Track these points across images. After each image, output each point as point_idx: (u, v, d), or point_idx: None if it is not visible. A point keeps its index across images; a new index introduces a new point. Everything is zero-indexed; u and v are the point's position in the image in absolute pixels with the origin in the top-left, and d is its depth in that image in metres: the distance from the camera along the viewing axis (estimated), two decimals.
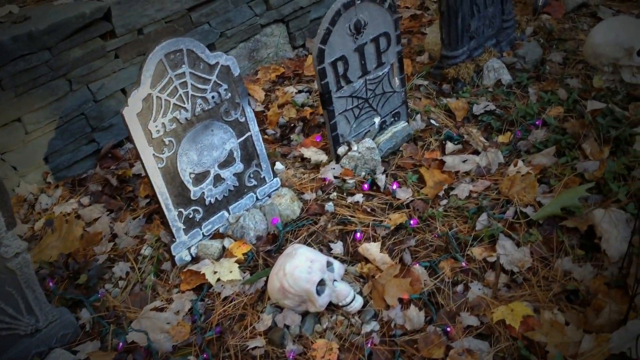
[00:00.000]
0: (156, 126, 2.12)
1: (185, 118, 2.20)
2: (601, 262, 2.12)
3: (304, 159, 2.86)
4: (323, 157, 2.83)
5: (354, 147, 2.72)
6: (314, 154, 2.84)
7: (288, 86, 3.48)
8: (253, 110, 3.13)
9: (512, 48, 3.51)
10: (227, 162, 2.38)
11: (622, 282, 1.96)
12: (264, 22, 3.63)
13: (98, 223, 2.57)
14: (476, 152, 2.83)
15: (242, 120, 2.38)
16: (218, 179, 2.37)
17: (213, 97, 2.26)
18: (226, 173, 2.39)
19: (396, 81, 2.89)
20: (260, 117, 3.17)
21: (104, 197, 2.70)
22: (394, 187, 2.60)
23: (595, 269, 2.09)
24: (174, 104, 2.15)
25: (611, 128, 2.65)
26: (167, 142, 2.16)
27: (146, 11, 3.04)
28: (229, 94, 2.30)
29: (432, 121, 3.05)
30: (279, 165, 2.82)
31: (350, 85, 2.69)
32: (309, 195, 2.63)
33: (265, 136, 3.03)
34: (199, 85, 2.21)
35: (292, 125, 3.11)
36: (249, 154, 2.45)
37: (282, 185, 2.67)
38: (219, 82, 2.26)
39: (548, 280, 2.11)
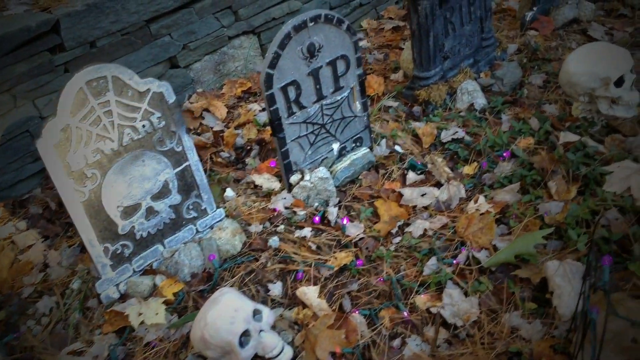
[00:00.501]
0: (77, 158, 1.97)
1: (111, 149, 2.06)
2: (552, 319, 1.95)
3: (256, 186, 2.71)
4: (276, 185, 2.68)
5: (307, 177, 2.56)
6: (266, 181, 2.69)
7: (253, 103, 3.33)
8: (212, 129, 2.99)
9: (491, 68, 3.32)
10: (161, 194, 2.23)
11: (568, 348, 1.79)
12: (231, 33, 3.47)
13: (31, 251, 2.44)
14: (439, 184, 2.66)
15: (179, 149, 2.23)
16: (151, 212, 2.23)
17: (144, 126, 2.11)
18: (160, 205, 2.24)
19: (357, 105, 2.73)
20: (218, 138, 3.02)
21: (42, 221, 2.57)
22: (344, 222, 2.44)
23: (545, 327, 1.92)
24: (97, 134, 2.00)
25: (582, 165, 2.47)
26: (89, 175, 2.02)
27: (99, 23, 2.89)
28: (163, 122, 2.15)
29: (397, 147, 2.89)
30: (229, 192, 2.67)
31: (304, 110, 2.53)
32: (255, 227, 2.49)
33: (219, 159, 2.88)
34: (127, 114, 2.06)
35: (249, 147, 2.95)
36: (187, 185, 2.30)
37: (229, 216, 2.53)
38: (150, 109, 2.11)
39: (493, 336, 1.95)
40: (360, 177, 2.75)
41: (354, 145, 2.81)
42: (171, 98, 2.15)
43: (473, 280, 2.12)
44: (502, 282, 2.10)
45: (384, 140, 2.93)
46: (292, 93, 2.45)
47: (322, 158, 2.71)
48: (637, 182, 2.32)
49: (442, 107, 3.11)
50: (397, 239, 2.40)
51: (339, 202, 2.61)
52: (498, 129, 2.84)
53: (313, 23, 2.38)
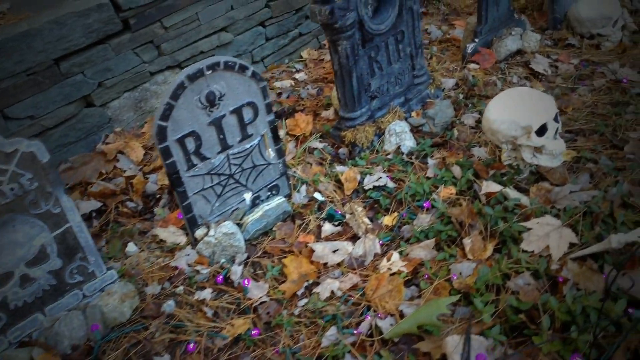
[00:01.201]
0: None
1: None
2: None
3: (161, 240, 2.53)
4: (182, 239, 2.51)
5: (211, 232, 2.39)
6: (171, 234, 2.51)
7: None
8: (124, 173, 2.81)
9: (423, 107, 3.18)
10: (38, 260, 2.05)
11: None
12: (154, 69, 3.30)
13: None
14: (356, 237, 2.50)
15: (57, 211, 2.05)
16: (26, 280, 2.04)
17: (12, 189, 1.93)
18: (37, 272, 2.06)
19: (270, 153, 2.57)
20: (129, 184, 2.84)
21: None
22: (246, 283, 2.27)
23: None
24: None
25: (500, 219, 2.32)
26: None
27: (1, 64, 2.71)
28: (36, 184, 1.98)
29: (317, 195, 2.73)
30: (131, 247, 2.49)
31: (207, 162, 2.37)
32: (152, 289, 2.31)
33: (125, 209, 2.70)
34: None
35: (159, 196, 2.78)
36: (69, 248, 2.12)
37: (126, 275, 2.35)
38: (20, 171, 1.93)
39: None
40: (274, 228, 2.58)
41: (269, 194, 2.65)
42: (44, 157, 1.97)
43: (373, 354, 1.96)
44: (404, 357, 1.93)
45: (304, 187, 2.77)
46: (191, 144, 2.28)
47: (233, 209, 2.54)
48: (555, 241, 2.18)
49: (370, 149, 2.96)
50: (304, 301, 2.24)
51: (247, 258, 2.44)
52: (420, 176, 2.69)
53: (211, 71, 2.22)
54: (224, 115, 2.34)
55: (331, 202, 2.70)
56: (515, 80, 3.43)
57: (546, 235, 2.20)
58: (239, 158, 2.46)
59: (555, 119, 2.40)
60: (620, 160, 2.60)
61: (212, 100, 2.27)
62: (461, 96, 3.31)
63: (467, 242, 2.28)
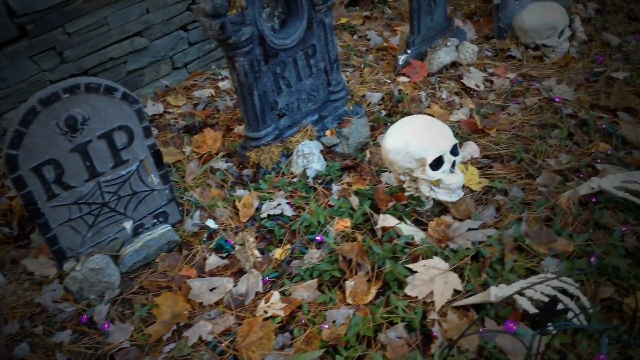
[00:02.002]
0: None
1: None
2: None
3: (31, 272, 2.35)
4: (52, 272, 2.33)
5: (77, 266, 2.20)
6: (40, 266, 2.33)
7: None
8: (9, 191, 2.62)
9: (339, 125, 2.98)
10: None
11: None
12: (55, 77, 3.10)
13: None
14: (242, 272, 2.32)
15: None
16: None
17: None
18: None
19: (153, 179, 2.37)
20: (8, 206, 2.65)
21: None
22: (106, 326, 2.09)
23: None
24: None
25: (389, 259, 2.14)
26: None
27: None
28: None
29: (210, 222, 2.54)
30: (0, 278, 2.31)
31: (72, 191, 2.17)
32: (11, 327, 2.12)
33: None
34: None
35: None
36: None
37: None
38: None
39: None
40: (157, 259, 2.40)
41: (155, 221, 2.46)
42: None
43: None
44: None
45: (198, 213, 2.58)
46: (50, 173, 2.09)
47: (110, 239, 2.36)
48: (440, 287, 2.01)
49: (276, 171, 2.77)
50: (170, 346, 2.06)
51: (120, 294, 2.26)
52: (320, 204, 2.50)
53: (69, 94, 2.02)
54: (89, 141, 2.14)
55: (225, 230, 2.51)
56: (444, 96, 3.24)
57: (431, 280, 2.03)
58: (114, 185, 2.27)
59: (454, 152, 2.22)
60: (532, 193, 2.42)
61: (72, 126, 2.07)
62: (383, 113, 3.12)
63: (349, 284, 2.11)
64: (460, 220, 2.34)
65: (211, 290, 2.23)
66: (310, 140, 2.84)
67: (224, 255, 2.41)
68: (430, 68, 3.44)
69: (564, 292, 1.76)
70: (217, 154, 2.93)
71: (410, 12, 3.37)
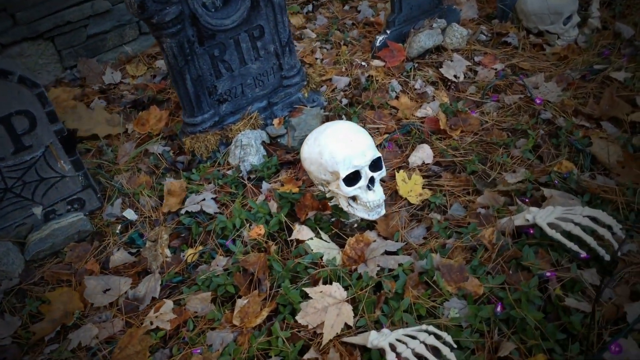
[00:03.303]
0: None
1: None
2: None
3: None
4: None
5: None
6: None
7: None
8: None
9: (290, 113, 2.75)
10: None
11: None
12: (7, 40, 2.97)
13: None
14: (147, 272, 2.20)
15: None
16: None
17: None
18: None
19: (64, 165, 2.24)
20: None
21: None
22: None
23: None
24: None
25: (289, 279, 1.96)
26: None
27: None
28: None
29: (128, 212, 2.41)
30: None
31: None
32: None
33: None
34: None
35: None
36: None
37: None
38: None
39: None
40: (66, 249, 2.30)
41: (69, 207, 2.35)
42: None
43: None
44: None
45: (119, 201, 2.45)
46: None
47: (17, 224, 2.26)
48: (331, 319, 1.82)
49: (212, 160, 2.59)
50: (52, 348, 1.97)
51: (19, 283, 2.18)
52: (237, 206, 2.32)
53: None
54: None
55: (143, 222, 2.38)
56: (417, 86, 2.94)
57: (324, 310, 1.84)
58: (17, 171, 2.16)
59: (374, 167, 1.98)
60: (473, 213, 2.16)
61: None
62: (344, 102, 2.86)
63: (240, 303, 1.94)
64: (385, 238, 2.12)
65: (105, 291, 2.11)
66: (254, 129, 2.63)
67: (135, 251, 2.28)
68: (410, 52, 3.12)
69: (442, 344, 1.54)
70: (158, 135, 2.76)
71: None
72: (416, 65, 3.09)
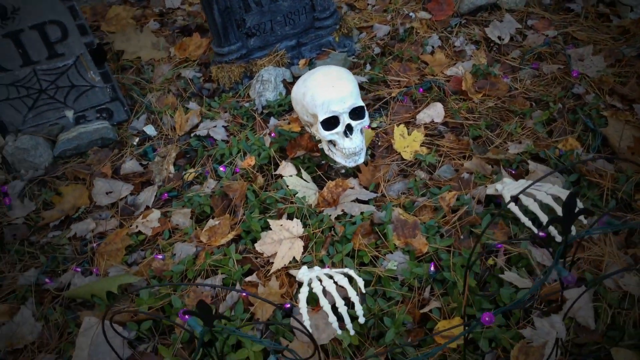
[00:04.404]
0: None
1: None
2: None
3: None
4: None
5: (9, 142, 2.44)
6: None
7: None
8: None
9: (318, 56, 2.80)
10: None
11: None
12: None
13: None
14: (150, 183, 2.41)
15: None
16: None
17: None
18: None
19: (93, 76, 2.48)
20: None
21: None
22: (7, 202, 2.33)
23: None
24: None
25: (258, 208, 2.08)
26: None
27: None
28: None
29: (149, 128, 2.62)
30: None
31: (8, 73, 2.36)
32: None
33: None
34: None
35: None
36: None
37: None
38: None
39: None
40: (90, 152, 2.56)
41: (98, 116, 2.60)
42: None
43: (50, 305, 1.96)
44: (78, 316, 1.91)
45: (144, 116, 2.67)
46: None
47: (51, 123, 2.55)
48: (283, 251, 1.94)
49: (234, 91, 2.73)
50: (56, 233, 2.26)
51: (44, 174, 2.48)
52: (243, 135, 2.45)
53: None
54: (21, 30, 2.27)
55: (159, 139, 2.58)
56: (457, 44, 2.85)
57: (279, 242, 1.95)
58: (51, 75, 2.42)
59: (357, 115, 2.00)
60: (459, 177, 2.14)
61: (2, 13, 2.20)
62: (376, 51, 2.85)
63: (212, 223, 2.10)
64: (366, 188, 2.16)
65: (107, 193, 2.35)
66: (279, 67, 2.71)
67: (145, 163, 2.49)
68: (461, 7, 3.01)
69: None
70: (194, 61, 2.92)
71: None
72: (463, 21, 2.98)
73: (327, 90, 1.96)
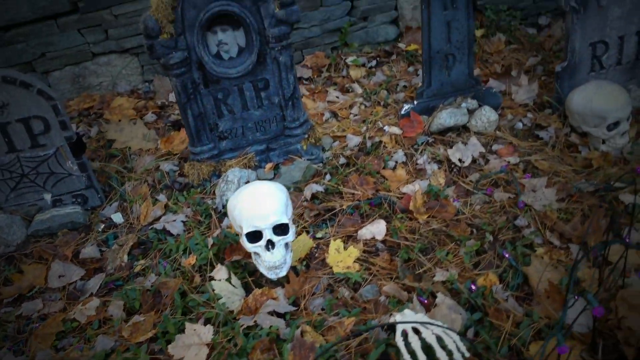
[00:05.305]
0: None
1: None
2: None
3: None
4: None
5: None
6: None
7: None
8: None
9: (284, 161, 2.97)
10: None
11: None
12: (97, 50, 3.60)
13: None
14: (101, 270, 2.59)
15: None
16: None
17: None
18: None
19: (71, 165, 2.74)
20: None
21: None
22: None
23: None
24: None
25: (180, 310, 2.21)
26: None
27: None
28: None
29: (117, 216, 2.83)
30: None
31: None
32: None
33: None
34: None
35: None
36: None
37: None
38: None
39: None
40: (60, 234, 2.78)
41: (74, 200, 2.84)
42: None
43: None
44: None
45: (116, 204, 2.89)
46: None
47: (30, 204, 2.80)
48: (190, 357, 2.03)
49: (202, 187, 2.92)
50: (7, 309, 2.44)
51: (15, 251, 2.70)
52: (196, 233, 2.61)
53: None
54: (8, 122, 2.56)
55: (124, 227, 2.78)
56: (420, 162, 2.97)
57: (189, 347, 2.05)
58: (33, 162, 2.68)
59: (281, 231, 2.14)
60: (377, 300, 2.20)
61: None
62: (341, 161, 3.00)
63: (137, 319, 2.23)
64: (289, 298, 2.25)
65: (59, 276, 2.53)
66: (247, 168, 2.90)
67: (105, 249, 2.68)
68: (431, 126, 3.14)
69: None
70: (176, 155, 3.16)
71: (423, 62, 3.09)
72: (431, 140, 3.10)
73: (253, 206, 2.11)
